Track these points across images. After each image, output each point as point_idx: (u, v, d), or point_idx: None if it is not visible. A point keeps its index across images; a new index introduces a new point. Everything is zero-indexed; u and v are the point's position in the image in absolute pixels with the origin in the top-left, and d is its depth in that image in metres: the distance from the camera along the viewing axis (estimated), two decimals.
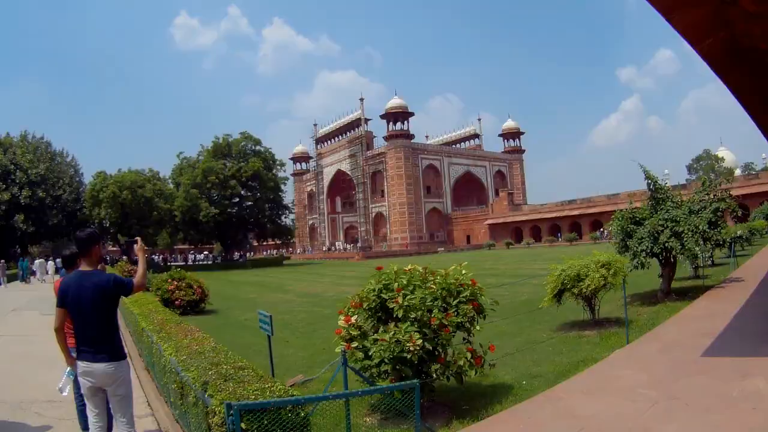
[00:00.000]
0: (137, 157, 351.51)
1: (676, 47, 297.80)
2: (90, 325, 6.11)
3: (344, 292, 29.89)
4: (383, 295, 8.12)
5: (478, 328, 8.39)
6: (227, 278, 50.75)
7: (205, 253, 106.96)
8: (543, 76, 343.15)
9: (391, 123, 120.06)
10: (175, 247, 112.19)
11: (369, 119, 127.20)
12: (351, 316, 8.24)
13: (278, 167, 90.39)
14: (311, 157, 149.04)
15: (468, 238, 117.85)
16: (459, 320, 7.97)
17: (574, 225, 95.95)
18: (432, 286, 8.20)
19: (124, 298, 9.96)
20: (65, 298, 6.17)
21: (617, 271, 13.84)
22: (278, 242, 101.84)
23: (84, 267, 6.30)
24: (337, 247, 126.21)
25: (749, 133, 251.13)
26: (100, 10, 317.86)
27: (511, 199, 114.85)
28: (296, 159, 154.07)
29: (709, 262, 23.86)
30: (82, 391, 6.29)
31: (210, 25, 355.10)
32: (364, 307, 8.29)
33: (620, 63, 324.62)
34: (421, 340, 7.37)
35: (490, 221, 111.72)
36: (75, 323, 6.23)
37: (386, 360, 7.38)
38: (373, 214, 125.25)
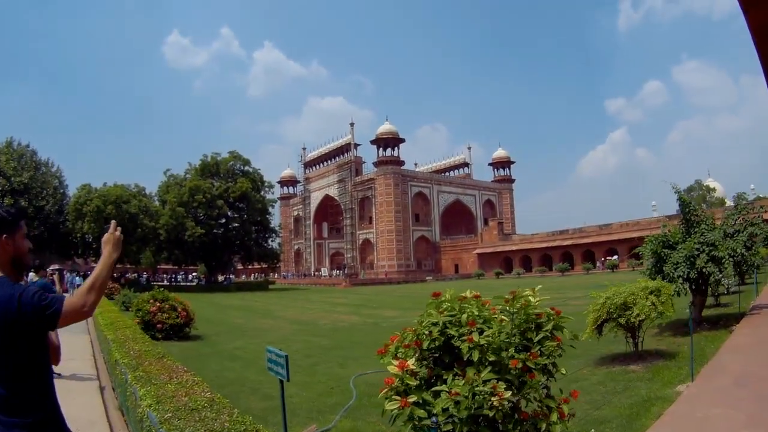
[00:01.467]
0: (123, 172, 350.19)
1: (665, 78, 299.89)
2: None
3: (338, 320, 28.32)
4: (450, 331, 5.96)
5: (563, 371, 6.40)
6: (212, 301, 48.88)
7: (194, 274, 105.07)
8: (531, 108, 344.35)
9: (381, 149, 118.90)
10: (159, 266, 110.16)
11: (359, 144, 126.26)
12: (406, 360, 5.99)
13: (266, 189, 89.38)
14: (299, 181, 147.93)
15: (456, 267, 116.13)
16: (545, 361, 6.02)
17: (566, 255, 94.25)
18: (504, 317, 6.27)
19: (99, 320, 8.10)
20: None
21: (667, 299, 12.66)
22: (264, 266, 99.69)
23: None
24: (323, 273, 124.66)
25: (736, 165, 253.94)
26: (94, 22, 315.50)
27: (501, 229, 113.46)
28: (284, 183, 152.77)
29: (730, 290, 22.52)
30: None
31: (202, 46, 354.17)
32: (425, 347, 6.15)
33: (609, 95, 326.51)
34: (509, 392, 5.37)
35: (479, 250, 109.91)
36: None
37: (456, 419, 5.32)
38: (360, 241, 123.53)
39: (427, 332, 6.02)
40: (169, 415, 4.99)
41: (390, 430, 8.14)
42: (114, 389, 10.92)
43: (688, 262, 15.86)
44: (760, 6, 5.67)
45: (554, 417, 5.81)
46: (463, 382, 5.41)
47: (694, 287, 16.68)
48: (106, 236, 3.91)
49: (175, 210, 74.60)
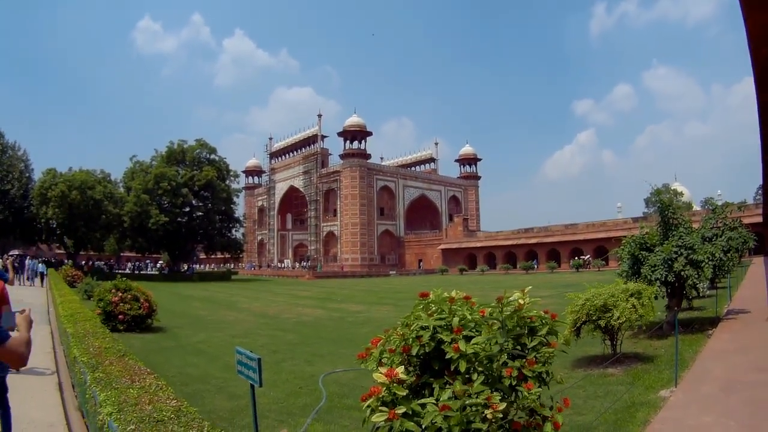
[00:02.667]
0: (89, 158, 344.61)
1: (636, 83, 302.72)
2: None
3: (303, 314, 27.91)
4: (441, 336, 5.53)
5: (558, 379, 5.92)
6: (174, 291, 48.15)
7: (161, 263, 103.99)
8: (498, 105, 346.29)
9: (348, 141, 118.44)
10: (123, 254, 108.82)
11: (325, 136, 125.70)
12: (394, 367, 5.48)
13: (232, 178, 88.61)
14: (264, 172, 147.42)
15: (420, 262, 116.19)
16: (541, 369, 5.59)
17: (531, 254, 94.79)
18: (495, 321, 5.83)
19: (57, 300, 8.30)
20: None
21: (648, 302, 12.50)
22: (227, 256, 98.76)
23: None
24: (286, 265, 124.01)
25: (702, 171, 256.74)
26: (63, 6, 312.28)
27: (466, 225, 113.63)
28: (249, 172, 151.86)
29: (701, 294, 22.52)
30: None
31: (172, 32, 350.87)
32: (414, 353, 5.61)
33: (577, 95, 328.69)
34: (504, 404, 4.95)
35: (443, 246, 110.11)
36: None
37: None
38: (324, 233, 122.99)
39: (416, 337, 5.60)
40: (132, 427, 4.54)
41: None
42: (74, 387, 10.41)
43: (665, 265, 15.84)
44: (764, 9, 5.63)
45: (548, 428, 5.44)
46: (451, 394, 5.04)
47: (669, 290, 16.74)
48: (25, 316, 4.21)
49: (139, 197, 73.34)
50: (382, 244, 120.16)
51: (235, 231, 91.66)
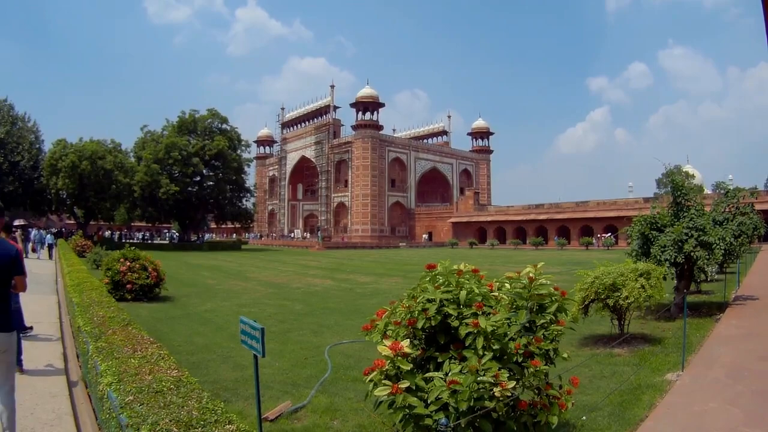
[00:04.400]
0: (100, 128, 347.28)
1: (651, 62, 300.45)
2: None
3: (312, 284, 27.80)
4: (447, 309, 5.42)
5: (565, 355, 5.98)
6: (183, 260, 48.12)
7: (173, 232, 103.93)
8: (513, 80, 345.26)
9: (360, 112, 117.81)
10: (133, 224, 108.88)
11: (338, 107, 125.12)
12: (399, 340, 5.30)
13: (243, 148, 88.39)
14: (275, 142, 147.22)
15: (430, 234, 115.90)
16: (549, 347, 5.62)
17: (541, 229, 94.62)
18: (503, 296, 5.81)
19: (65, 269, 10.77)
20: None
21: (657, 282, 12.29)
22: (237, 226, 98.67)
23: None
24: (296, 235, 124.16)
25: (714, 155, 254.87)
26: None
27: (477, 199, 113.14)
28: (260, 142, 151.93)
29: (709, 278, 22.36)
30: None
31: (185, 0, 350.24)
32: (420, 326, 5.48)
33: (591, 72, 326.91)
34: (513, 383, 4.91)
35: (454, 219, 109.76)
36: None
37: (452, 409, 4.81)
38: (335, 204, 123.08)
39: (422, 309, 5.48)
40: (131, 398, 4.40)
41: (370, 411, 7.72)
42: (78, 357, 10.37)
43: (675, 246, 15.66)
44: None
45: (555, 409, 5.42)
46: (462, 369, 4.95)
47: (678, 272, 16.58)
48: None
49: (150, 167, 73.20)
50: (392, 215, 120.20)
51: (246, 201, 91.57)
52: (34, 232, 47.41)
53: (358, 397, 8.49)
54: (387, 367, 5.08)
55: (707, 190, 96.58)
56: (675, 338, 12.78)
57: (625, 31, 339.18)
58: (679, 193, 17.27)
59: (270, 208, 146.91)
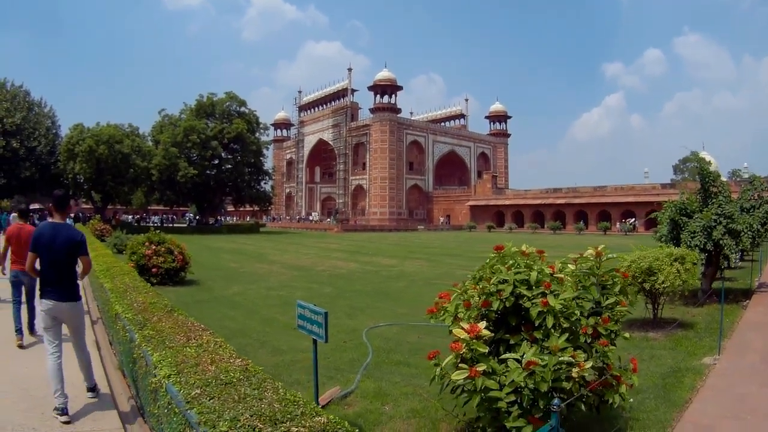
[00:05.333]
0: (116, 113, 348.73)
1: (666, 48, 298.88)
2: (59, 271, 7.22)
3: (336, 267, 27.66)
4: (521, 290, 5.34)
5: (627, 335, 6.13)
6: (203, 243, 47.93)
7: (190, 214, 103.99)
8: (528, 66, 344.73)
9: (378, 95, 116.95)
10: (149, 208, 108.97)
11: (355, 90, 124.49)
12: (472, 322, 5.19)
13: (261, 131, 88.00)
14: (292, 124, 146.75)
15: (447, 217, 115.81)
16: (615, 327, 5.67)
17: (558, 214, 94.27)
18: (567, 277, 5.68)
19: (94, 265, 11.08)
20: (37, 244, 7.25)
21: (691, 267, 12.45)
22: (255, 209, 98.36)
23: (56, 219, 7.48)
24: (313, 218, 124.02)
25: (729, 143, 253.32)
26: None
27: (494, 182, 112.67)
28: (277, 125, 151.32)
29: (732, 265, 22.19)
30: (43, 325, 7.39)
31: None
32: (494, 308, 5.38)
33: (607, 58, 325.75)
34: (590, 363, 4.91)
35: (472, 203, 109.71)
36: (43, 266, 7.28)
37: (527, 392, 4.73)
38: (353, 187, 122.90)
39: (496, 291, 5.38)
40: (198, 391, 3.98)
41: (420, 395, 7.50)
42: (111, 344, 10.10)
43: (705, 232, 15.70)
44: None
45: (623, 389, 5.43)
46: (537, 351, 4.92)
47: (706, 259, 16.47)
48: None
49: (168, 150, 73.19)
50: (410, 198, 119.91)
51: (264, 183, 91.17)
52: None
53: (404, 381, 8.45)
54: (464, 350, 4.95)
55: (723, 178, 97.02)
56: (705, 323, 12.99)
57: (640, 17, 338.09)
58: (708, 180, 17.19)
59: (287, 190, 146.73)
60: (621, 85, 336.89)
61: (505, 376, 4.85)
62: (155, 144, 78.41)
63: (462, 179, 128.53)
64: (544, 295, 5.21)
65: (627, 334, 6.11)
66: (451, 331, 5.31)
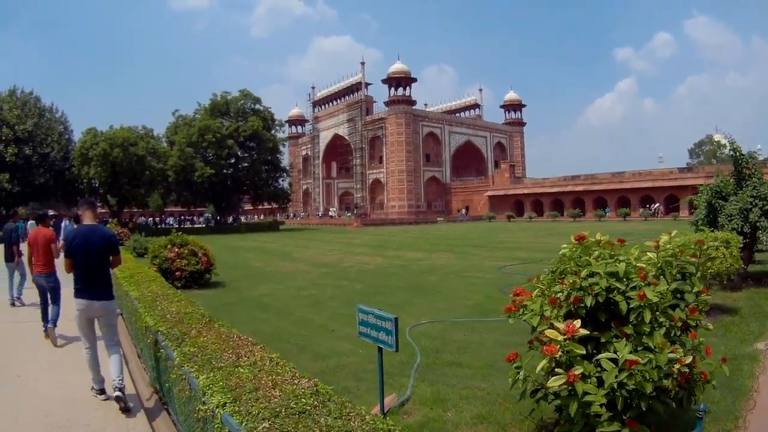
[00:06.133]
0: (129, 116, 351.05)
1: (676, 31, 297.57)
2: (94, 270, 7.54)
3: (363, 262, 27.02)
4: (616, 284, 4.79)
5: (709, 326, 5.53)
6: (224, 243, 47.38)
7: (207, 215, 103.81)
8: (538, 54, 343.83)
9: (392, 88, 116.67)
10: (166, 209, 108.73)
11: (369, 84, 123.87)
12: (573, 322, 4.59)
13: (277, 127, 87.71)
14: (307, 121, 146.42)
15: (466, 208, 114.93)
16: (701, 318, 5.16)
17: (577, 201, 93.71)
18: (648, 267, 5.14)
19: (115, 271, 10.99)
20: (73, 245, 7.50)
21: (737, 252, 12.41)
22: (273, 206, 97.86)
23: (90, 222, 7.83)
24: (332, 213, 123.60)
25: (741, 124, 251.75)
26: None
27: (512, 172, 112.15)
28: (291, 122, 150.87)
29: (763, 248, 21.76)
30: (79, 324, 7.63)
31: None
32: (588, 304, 4.77)
33: (617, 43, 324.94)
34: (690, 358, 4.55)
35: (490, 193, 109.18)
36: (79, 267, 7.51)
37: (623, 393, 4.27)
38: (370, 181, 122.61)
39: (588, 285, 4.81)
40: (266, 425, 3.18)
41: (482, 399, 7.11)
42: (140, 356, 9.43)
43: (741, 215, 15.55)
44: None
45: (714, 381, 5.13)
46: (635, 348, 4.56)
47: (744, 242, 15.93)
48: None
49: (183, 150, 72.89)
50: (428, 191, 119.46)
51: (282, 181, 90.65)
52: (65, 223, 46.97)
53: (461, 383, 7.86)
54: (558, 353, 4.41)
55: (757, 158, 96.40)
56: (749, 308, 12.76)
57: (649, 0, 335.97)
58: (741, 162, 16.83)
59: (304, 187, 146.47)
60: (633, 70, 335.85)
61: (599, 377, 4.39)
62: (170, 145, 78.05)
63: (479, 170, 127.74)
64: (636, 287, 4.73)
65: (710, 325, 5.59)
66: (536, 331, 4.94)
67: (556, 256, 5.69)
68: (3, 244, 16.27)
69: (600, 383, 4.31)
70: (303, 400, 3.53)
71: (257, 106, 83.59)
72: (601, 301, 4.73)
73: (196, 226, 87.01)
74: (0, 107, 67.05)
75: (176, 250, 20.03)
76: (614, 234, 8.64)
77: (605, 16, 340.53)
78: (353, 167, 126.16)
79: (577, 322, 4.48)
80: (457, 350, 9.95)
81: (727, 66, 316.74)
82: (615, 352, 4.41)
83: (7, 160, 63.51)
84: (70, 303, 8.25)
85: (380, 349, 5.65)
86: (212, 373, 4.46)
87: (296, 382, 4.12)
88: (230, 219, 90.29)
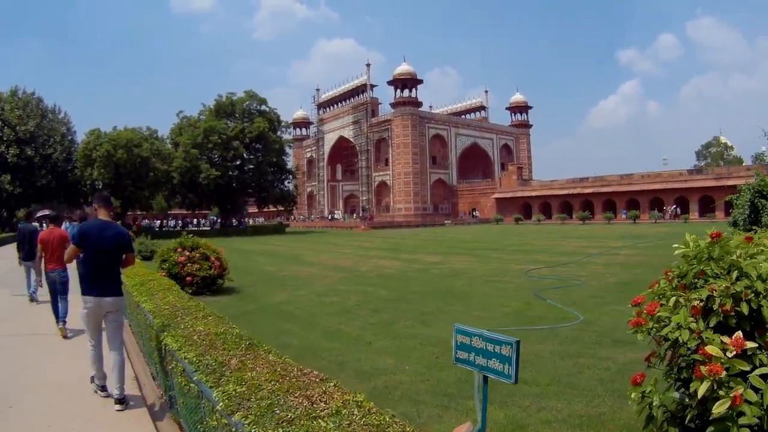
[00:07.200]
0: (132, 117, 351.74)
1: (679, 33, 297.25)
2: (106, 266, 7.54)
3: (380, 266, 26.02)
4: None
5: None
6: (231, 246, 46.02)
7: (212, 217, 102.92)
8: (542, 55, 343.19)
9: (398, 90, 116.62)
10: (170, 212, 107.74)
11: (374, 85, 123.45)
12: (738, 335, 3.57)
13: (283, 129, 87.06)
14: (311, 123, 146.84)
15: (473, 211, 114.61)
16: None
17: (586, 203, 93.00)
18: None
19: (123, 278, 10.20)
20: (85, 239, 7.50)
21: None
22: (279, 209, 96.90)
23: (104, 217, 7.81)
24: (338, 216, 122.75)
25: (747, 126, 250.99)
26: None
27: (520, 174, 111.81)
28: (296, 124, 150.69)
29: None
30: (86, 321, 7.62)
31: None
32: (745, 312, 3.76)
33: (621, 45, 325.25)
34: None
35: (498, 195, 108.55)
36: (90, 262, 7.51)
37: None
38: (376, 183, 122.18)
39: (740, 290, 3.88)
40: None
41: (564, 423, 6.26)
42: (155, 377, 8.13)
43: None
44: None
45: None
46: None
47: None
48: None
49: (188, 152, 72.04)
50: (434, 193, 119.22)
51: (288, 183, 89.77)
52: (66, 224, 45.98)
53: (534, 404, 6.87)
54: (723, 374, 3.43)
55: (746, 161, 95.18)
56: None
57: (651, 2, 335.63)
58: None
59: (309, 190, 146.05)
60: (636, 72, 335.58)
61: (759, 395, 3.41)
62: (174, 146, 77.22)
63: (486, 172, 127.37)
64: None
65: None
66: (682, 347, 3.93)
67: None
68: (18, 244, 17.86)
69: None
70: None
71: (263, 107, 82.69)
72: (754, 307, 3.69)
73: (201, 228, 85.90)
74: (1, 108, 66.50)
75: (187, 253, 18.69)
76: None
77: (608, 18, 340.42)
78: (359, 169, 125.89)
79: (738, 334, 3.58)
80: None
81: (733, 67, 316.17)
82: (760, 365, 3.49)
83: (9, 161, 63.04)
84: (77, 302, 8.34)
85: (485, 378, 4.39)
86: (274, 425, 3.01)
87: (382, 428, 2.86)
88: (235, 221, 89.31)
